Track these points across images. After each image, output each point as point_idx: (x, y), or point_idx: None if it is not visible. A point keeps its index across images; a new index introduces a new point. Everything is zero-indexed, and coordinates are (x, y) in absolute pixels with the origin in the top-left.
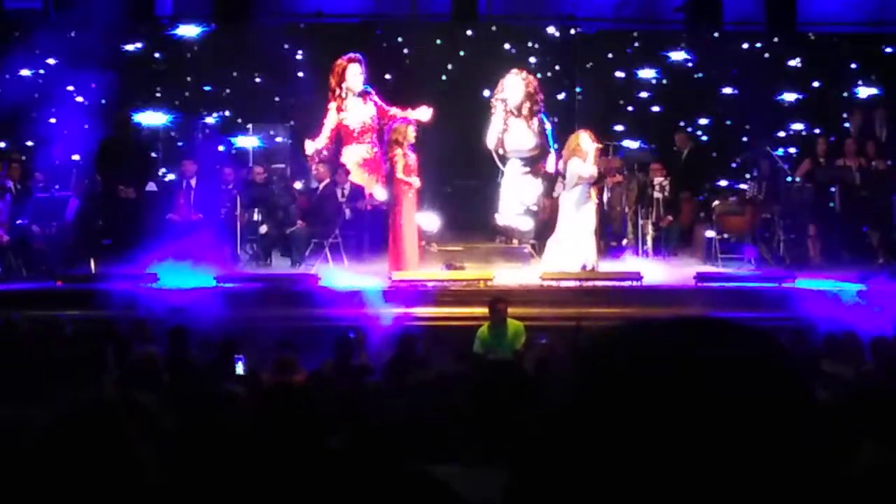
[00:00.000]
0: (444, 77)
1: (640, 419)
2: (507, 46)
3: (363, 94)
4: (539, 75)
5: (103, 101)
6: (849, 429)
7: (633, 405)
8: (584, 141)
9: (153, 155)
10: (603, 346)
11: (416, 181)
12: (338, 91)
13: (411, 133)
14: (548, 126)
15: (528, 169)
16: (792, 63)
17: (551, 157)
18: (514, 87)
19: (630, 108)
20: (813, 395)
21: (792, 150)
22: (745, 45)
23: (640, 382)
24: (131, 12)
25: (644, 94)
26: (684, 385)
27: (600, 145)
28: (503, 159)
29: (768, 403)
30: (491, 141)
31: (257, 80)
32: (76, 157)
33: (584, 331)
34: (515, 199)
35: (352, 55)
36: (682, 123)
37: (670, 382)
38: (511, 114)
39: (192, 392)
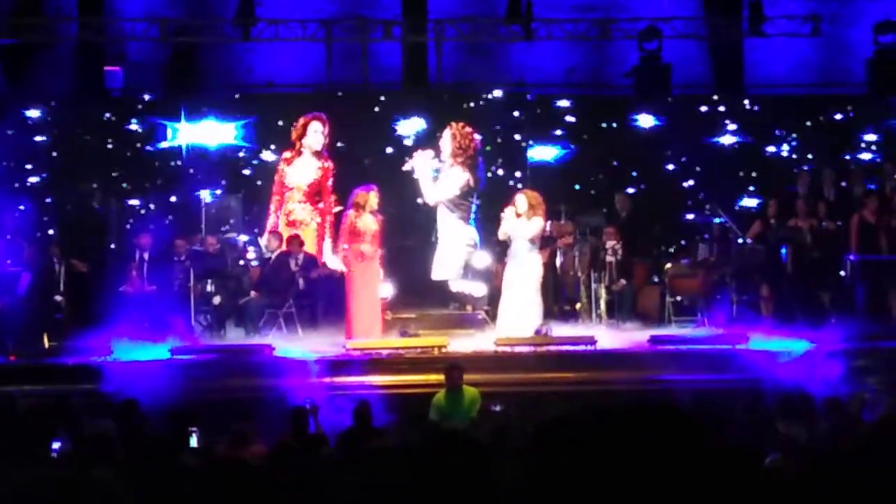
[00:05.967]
0: (391, 145)
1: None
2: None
3: (318, 155)
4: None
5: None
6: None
7: (586, 486)
8: (521, 202)
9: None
10: (559, 430)
11: (367, 248)
12: (297, 145)
13: (373, 199)
14: (470, 178)
15: (457, 215)
16: (739, 125)
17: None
18: (445, 139)
19: (581, 171)
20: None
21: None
22: (694, 108)
23: (593, 466)
24: (82, 86)
25: (596, 158)
26: (634, 469)
27: (535, 205)
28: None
29: (717, 488)
30: (427, 196)
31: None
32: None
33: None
34: (459, 240)
35: (316, 113)
36: (629, 188)
37: (622, 466)
38: (440, 162)
39: (146, 466)
